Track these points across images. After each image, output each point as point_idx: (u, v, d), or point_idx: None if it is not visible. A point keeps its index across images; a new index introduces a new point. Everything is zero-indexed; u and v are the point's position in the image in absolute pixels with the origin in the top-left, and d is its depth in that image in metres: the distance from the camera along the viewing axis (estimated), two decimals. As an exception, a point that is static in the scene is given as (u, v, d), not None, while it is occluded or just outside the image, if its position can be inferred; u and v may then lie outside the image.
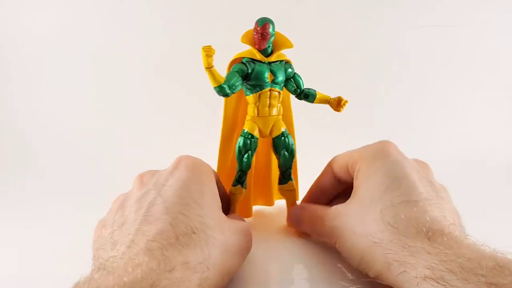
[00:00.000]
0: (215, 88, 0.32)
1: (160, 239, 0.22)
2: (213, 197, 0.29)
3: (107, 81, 0.70)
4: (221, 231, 0.26)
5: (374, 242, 0.26)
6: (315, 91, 0.36)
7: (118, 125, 0.69)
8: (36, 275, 0.33)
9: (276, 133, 0.36)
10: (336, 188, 0.37)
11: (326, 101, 0.36)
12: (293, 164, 0.38)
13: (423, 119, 0.71)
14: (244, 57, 0.34)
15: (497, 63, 0.72)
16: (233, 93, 0.34)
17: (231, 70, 0.34)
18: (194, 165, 0.29)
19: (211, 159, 0.37)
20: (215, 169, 0.38)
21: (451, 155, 0.64)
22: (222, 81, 0.32)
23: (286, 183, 0.38)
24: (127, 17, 0.69)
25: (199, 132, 0.58)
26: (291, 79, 0.36)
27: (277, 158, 0.38)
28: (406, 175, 0.28)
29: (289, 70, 0.36)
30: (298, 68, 0.37)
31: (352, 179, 0.32)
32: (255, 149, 0.36)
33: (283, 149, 0.37)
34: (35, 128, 0.70)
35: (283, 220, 0.41)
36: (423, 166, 0.32)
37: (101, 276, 0.20)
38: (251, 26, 0.33)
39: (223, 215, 0.29)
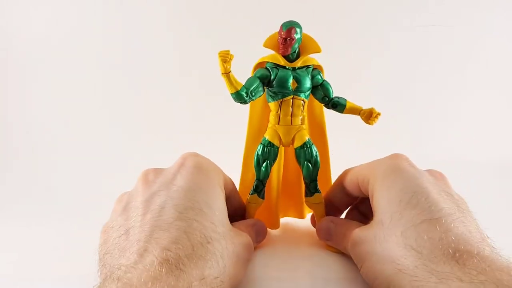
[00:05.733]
0: (231, 94, 0.31)
1: (175, 248, 0.21)
2: (223, 202, 0.27)
3: (128, 81, 0.70)
4: (232, 241, 0.25)
5: (399, 270, 0.24)
6: (345, 100, 0.34)
7: (129, 127, 0.69)
8: (36, 275, 0.32)
9: (298, 143, 0.35)
10: (347, 203, 0.35)
11: (356, 112, 0.34)
12: (326, 175, 0.37)
13: (421, 119, 0.72)
14: (267, 62, 0.33)
15: (493, 63, 0.72)
16: (252, 100, 0.33)
17: (253, 74, 0.33)
18: (202, 164, 0.27)
19: (236, 167, 0.36)
20: (239, 177, 0.37)
21: (448, 155, 0.64)
22: (240, 87, 0.31)
23: (311, 195, 0.36)
24: (147, 14, 0.70)
25: (223, 139, 0.57)
26: (319, 86, 0.34)
27: (301, 169, 0.36)
28: (424, 190, 0.26)
29: (318, 76, 0.34)
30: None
31: (364, 194, 0.31)
32: (274, 158, 0.35)
33: (306, 160, 0.35)
34: (34, 127, 0.69)
35: (313, 233, 0.39)
36: (438, 177, 0.30)
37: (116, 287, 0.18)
38: (277, 28, 0.32)
39: (229, 222, 0.28)
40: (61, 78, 0.70)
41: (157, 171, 0.28)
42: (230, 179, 0.33)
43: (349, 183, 0.33)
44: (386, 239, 0.25)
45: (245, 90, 0.31)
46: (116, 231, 0.25)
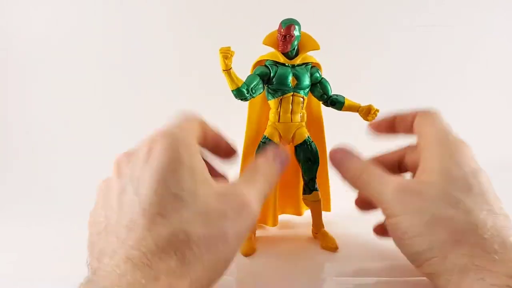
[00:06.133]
0: (232, 91, 0.31)
1: (139, 246, 0.21)
2: (198, 180, 0.24)
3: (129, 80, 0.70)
4: (208, 223, 0.23)
5: (457, 240, 0.24)
6: (343, 98, 0.34)
7: (127, 125, 0.69)
8: (36, 275, 0.32)
9: (298, 141, 0.35)
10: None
11: (355, 109, 0.34)
12: (323, 172, 0.37)
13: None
14: (267, 60, 0.33)
15: (493, 63, 0.72)
16: (253, 97, 0.33)
17: (252, 72, 0.33)
18: (173, 144, 0.24)
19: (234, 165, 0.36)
20: (238, 176, 0.37)
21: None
22: (241, 84, 0.31)
23: (309, 193, 0.37)
24: (147, 14, 0.70)
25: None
26: (318, 84, 0.34)
27: (300, 167, 0.36)
28: (488, 184, 0.26)
29: (316, 74, 0.34)
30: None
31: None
32: None
33: (305, 157, 0.35)
34: (34, 127, 0.69)
35: (309, 231, 0.39)
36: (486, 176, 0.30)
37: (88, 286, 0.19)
38: (277, 26, 0.32)
39: (214, 193, 0.24)
40: (61, 78, 0.70)
41: (128, 158, 0.26)
42: (204, 126, 0.29)
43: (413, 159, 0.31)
44: (448, 207, 0.25)
45: (245, 87, 0.32)
46: (96, 227, 0.25)
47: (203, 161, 0.26)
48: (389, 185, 0.27)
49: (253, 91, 0.32)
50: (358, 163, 0.30)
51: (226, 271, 0.24)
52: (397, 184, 0.26)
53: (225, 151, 0.30)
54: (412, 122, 0.31)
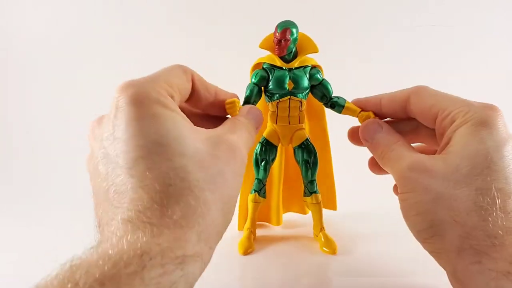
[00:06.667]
0: None
1: (135, 206, 0.19)
2: (180, 124, 0.23)
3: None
4: (203, 166, 0.22)
5: (455, 220, 0.23)
6: (345, 100, 0.33)
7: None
8: (36, 275, 0.32)
9: (296, 142, 0.35)
10: (392, 116, 0.32)
11: (355, 114, 0.33)
12: (328, 170, 0.37)
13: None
14: (264, 63, 0.33)
15: (493, 63, 0.72)
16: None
17: (251, 77, 0.33)
18: (138, 96, 0.22)
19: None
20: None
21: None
22: None
23: (309, 195, 0.37)
24: (147, 14, 0.70)
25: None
26: (318, 85, 0.33)
27: (300, 168, 0.36)
28: (511, 159, 0.24)
29: (317, 75, 0.33)
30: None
31: (431, 124, 0.28)
32: (274, 157, 0.35)
33: (304, 159, 0.35)
34: (34, 127, 0.69)
35: (312, 231, 0.40)
36: None
37: (85, 255, 0.18)
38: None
39: (202, 138, 0.23)
40: (61, 78, 0.70)
41: (99, 122, 0.25)
42: (184, 73, 0.27)
43: (419, 107, 0.29)
44: (456, 185, 0.24)
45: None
46: (95, 196, 0.24)
47: (177, 107, 0.24)
48: (404, 161, 0.26)
49: (255, 103, 0.32)
50: (386, 139, 0.29)
51: (231, 215, 0.24)
52: (411, 161, 0.26)
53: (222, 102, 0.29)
54: (404, 103, 0.30)
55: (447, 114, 0.27)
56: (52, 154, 0.64)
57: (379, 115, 0.32)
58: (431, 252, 0.25)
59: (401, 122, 0.32)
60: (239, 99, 0.30)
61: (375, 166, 0.33)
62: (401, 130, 0.30)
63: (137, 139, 0.21)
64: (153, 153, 0.21)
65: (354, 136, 0.33)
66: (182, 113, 0.24)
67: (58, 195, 0.52)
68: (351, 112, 0.33)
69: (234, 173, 0.24)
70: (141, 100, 0.22)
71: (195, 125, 0.24)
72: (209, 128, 0.27)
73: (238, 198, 0.29)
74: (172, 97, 0.24)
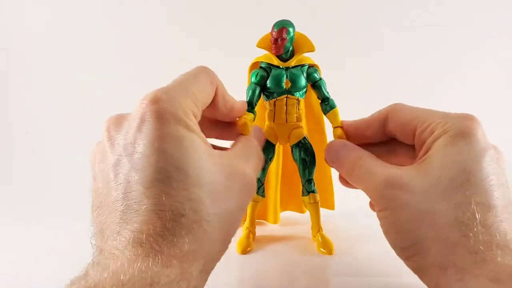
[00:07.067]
0: None
1: (146, 229, 0.19)
2: (201, 150, 0.22)
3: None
4: (216, 200, 0.22)
5: (436, 237, 0.22)
6: (332, 108, 0.33)
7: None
8: (36, 275, 0.32)
9: (294, 141, 0.35)
10: (372, 138, 0.32)
11: (333, 123, 0.33)
12: (326, 169, 0.37)
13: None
14: (262, 62, 0.33)
15: (493, 63, 0.72)
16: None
17: (250, 77, 0.33)
18: (165, 113, 0.22)
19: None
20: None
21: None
22: (253, 116, 0.32)
23: (307, 195, 0.37)
24: (147, 14, 0.70)
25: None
26: (314, 85, 0.34)
27: (297, 167, 0.36)
28: (490, 170, 0.23)
29: (314, 74, 0.33)
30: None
31: (410, 139, 0.28)
32: (271, 156, 0.35)
33: (301, 158, 0.35)
34: (34, 127, 0.69)
35: (310, 230, 0.40)
36: (500, 157, 0.26)
37: (96, 272, 0.18)
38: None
39: (219, 168, 0.23)
40: (61, 78, 0.70)
41: (118, 123, 0.24)
42: (208, 86, 0.26)
43: (398, 123, 0.29)
44: (435, 201, 0.23)
45: (253, 110, 0.32)
46: (97, 198, 0.23)
47: (199, 129, 0.24)
48: (378, 178, 0.25)
49: (256, 103, 0.33)
50: (351, 155, 0.29)
51: (229, 243, 0.24)
52: (386, 177, 0.25)
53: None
54: (382, 122, 0.30)
55: (427, 126, 0.26)
56: (52, 154, 0.64)
57: (358, 141, 0.31)
58: (414, 270, 0.24)
59: (379, 145, 0.32)
60: (249, 108, 0.31)
61: (345, 180, 0.32)
62: (380, 153, 0.30)
63: (157, 160, 0.21)
64: (171, 179, 0.20)
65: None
66: (202, 134, 0.24)
67: (58, 195, 0.52)
68: (332, 120, 0.33)
69: (241, 209, 0.24)
70: (168, 119, 0.21)
71: (201, 127, 0.24)
72: (215, 132, 0.29)
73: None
74: (195, 116, 0.24)
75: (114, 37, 0.69)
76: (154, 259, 0.18)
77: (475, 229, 0.22)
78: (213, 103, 0.27)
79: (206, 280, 0.22)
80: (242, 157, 0.26)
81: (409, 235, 0.24)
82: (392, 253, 0.35)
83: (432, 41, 0.71)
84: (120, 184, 0.21)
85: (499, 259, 0.21)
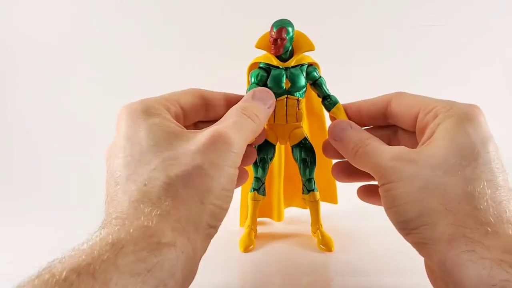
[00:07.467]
0: None
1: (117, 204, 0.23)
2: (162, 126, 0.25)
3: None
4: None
5: (446, 209, 0.22)
6: (336, 103, 0.33)
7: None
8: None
9: (294, 141, 0.35)
10: (374, 120, 0.32)
11: (339, 117, 0.33)
12: (329, 164, 0.36)
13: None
14: (261, 62, 0.33)
15: (493, 63, 0.72)
16: None
17: (251, 82, 0.33)
18: (135, 108, 0.27)
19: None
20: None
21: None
22: None
23: (307, 193, 0.37)
24: (147, 14, 0.70)
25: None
26: (314, 83, 0.33)
27: (298, 167, 0.36)
28: (494, 155, 0.24)
29: (313, 73, 0.33)
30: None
31: (411, 126, 0.29)
32: (272, 156, 0.35)
33: (302, 158, 0.35)
34: (34, 127, 0.69)
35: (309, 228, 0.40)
36: (498, 149, 0.27)
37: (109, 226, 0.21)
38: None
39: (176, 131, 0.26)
40: (61, 78, 0.70)
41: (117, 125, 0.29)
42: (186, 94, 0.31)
43: (402, 108, 0.29)
44: (445, 175, 0.23)
45: None
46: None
47: (170, 116, 0.27)
48: (386, 154, 0.26)
49: None
50: (356, 135, 0.29)
51: (216, 206, 0.24)
52: (394, 153, 0.26)
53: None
54: (384, 107, 0.30)
55: (430, 109, 0.27)
56: (52, 154, 0.65)
57: (358, 122, 0.31)
58: (417, 243, 0.24)
59: (378, 129, 0.32)
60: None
61: (341, 172, 0.33)
62: (379, 137, 0.30)
63: (125, 146, 0.25)
64: (133, 157, 0.25)
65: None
66: (171, 118, 0.27)
67: (58, 195, 0.52)
68: (338, 116, 0.33)
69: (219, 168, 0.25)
70: (137, 114, 0.27)
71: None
72: None
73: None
74: (168, 109, 0.28)
75: (114, 37, 0.69)
76: (116, 225, 0.21)
77: (485, 203, 0.22)
78: (208, 100, 0.31)
79: (188, 243, 0.22)
80: (233, 125, 0.27)
81: (417, 206, 0.23)
82: (393, 250, 0.35)
83: (431, 40, 0.71)
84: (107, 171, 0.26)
85: (510, 232, 0.21)
